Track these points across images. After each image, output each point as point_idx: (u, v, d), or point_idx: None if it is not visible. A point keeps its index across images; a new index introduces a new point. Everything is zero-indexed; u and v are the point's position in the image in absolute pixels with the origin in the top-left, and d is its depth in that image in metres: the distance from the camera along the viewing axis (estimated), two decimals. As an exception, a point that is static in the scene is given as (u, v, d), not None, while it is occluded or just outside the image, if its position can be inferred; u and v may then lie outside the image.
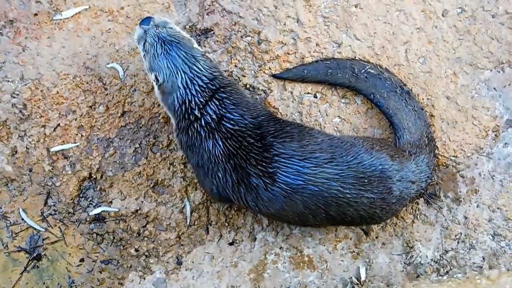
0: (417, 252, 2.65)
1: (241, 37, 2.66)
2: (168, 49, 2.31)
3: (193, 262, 2.70)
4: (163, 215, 2.70)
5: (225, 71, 2.67)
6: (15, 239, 2.69)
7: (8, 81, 2.67)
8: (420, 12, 2.64)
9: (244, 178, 2.25)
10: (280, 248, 2.69)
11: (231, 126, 2.27)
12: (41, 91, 2.67)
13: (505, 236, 2.63)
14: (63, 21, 2.68)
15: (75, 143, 2.68)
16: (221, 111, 2.29)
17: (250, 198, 2.27)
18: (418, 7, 2.64)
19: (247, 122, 2.29)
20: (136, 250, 2.70)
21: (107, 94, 2.69)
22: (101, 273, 2.70)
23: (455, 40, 2.65)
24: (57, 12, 2.67)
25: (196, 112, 2.29)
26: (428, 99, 2.64)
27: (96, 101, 2.69)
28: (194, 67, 2.31)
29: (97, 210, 2.69)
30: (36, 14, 2.67)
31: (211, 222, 2.71)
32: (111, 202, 2.70)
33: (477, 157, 2.65)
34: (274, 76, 2.66)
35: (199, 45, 2.68)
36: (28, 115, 2.67)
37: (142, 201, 2.70)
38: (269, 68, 2.66)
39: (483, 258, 2.63)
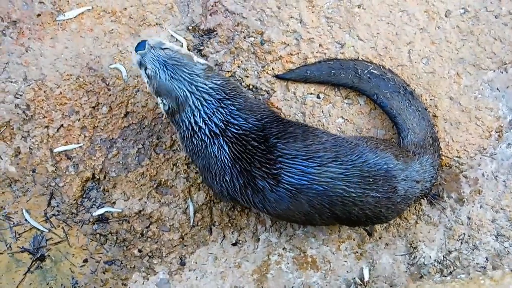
0: (421, 253, 2.66)
1: (244, 37, 2.67)
2: (172, 74, 2.29)
3: (196, 263, 2.71)
4: (167, 215, 2.71)
5: (228, 71, 2.68)
6: (19, 239, 2.70)
7: (12, 81, 2.68)
8: (423, 12, 2.65)
9: (250, 181, 2.26)
10: (284, 248, 2.70)
11: (236, 131, 2.29)
12: (44, 91, 2.68)
13: (508, 236, 2.64)
14: (66, 22, 2.69)
15: (78, 143, 2.70)
16: (227, 118, 2.30)
17: (257, 200, 2.29)
18: (421, 8, 2.65)
19: (251, 125, 2.31)
20: (140, 251, 2.71)
21: (110, 95, 2.70)
22: (104, 273, 2.71)
23: (458, 40, 2.66)
24: (60, 12, 2.68)
25: (201, 123, 2.30)
26: (431, 99, 2.65)
27: (99, 101, 2.70)
28: (200, 85, 2.30)
29: (101, 211, 2.71)
30: (39, 15, 2.68)
31: (214, 222, 2.72)
32: (114, 202, 2.71)
33: (481, 158, 2.66)
34: (277, 76, 2.67)
35: (202, 46, 2.69)
36: (31, 115, 2.68)
37: (146, 202, 2.71)
38: (272, 68, 2.67)
39: (487, 259, 2.64)
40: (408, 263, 2.67)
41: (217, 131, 2.30)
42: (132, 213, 2.71)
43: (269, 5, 2.66)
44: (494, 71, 2.66)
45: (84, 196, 2.72)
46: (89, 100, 2.70)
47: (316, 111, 2.68)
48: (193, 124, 2.31)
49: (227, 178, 2.32)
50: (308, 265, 2.69)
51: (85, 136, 2.70)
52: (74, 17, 2.68)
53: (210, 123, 2.30)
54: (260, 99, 2.67)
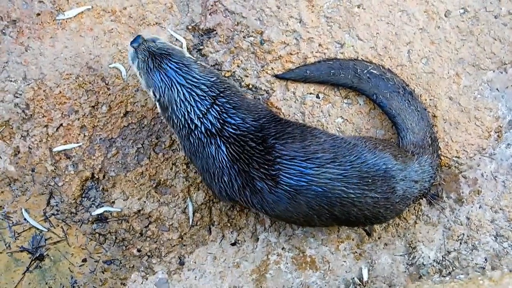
0: (420, 253, 2.67)
1: (244, 37, 2.69)
2: (160, 62, 2.31)
3: (195, 263, 2.73)
4: (166, 215, 2.72)
5: (228, 71, 2.69)
6: (18, 239, 2.71)
7: (11, 81, 2.69)
8: (423, 12, 2.67)
9: (249, 182, 2.28)
10: (283, 248, 2.71)
11: (233, 131, 2.30)
12: (44, 91, 2.70)
13: (507, 237, 2.65)
14: (66, 21, 2.70)
15: (77, 143, 2.71)
16: (222, 116, 2.31)
17: (256, 201, 2.31)
18: (421, 8, 2.67)
19: (248, 125, 2.32)
20: (139, 251, 2.72)
21: (109, 94, 2.71)
22: (103, 273, 2.72)
23: (458, 40, 2.67)
24: (60, 12, 2.70)
25: (196, 121, 2.32)
26: (430, 99, 2.67)
27: (98, 101, 2.71)
28: (190, 77, 2.32)
29: (100, 210, 2.72)
30: (39, 14, 2.69)
31: (213, 222, 2.74)
32: (113, 202, 2.72)
33: (480, 158, 2.67)
34: (277, 76, 2.69)
35: (201, 45, 2.70)
36: (31, 115, 2.69)
37: (145, 201, 2.72)
38: (272, 68, 2.68)
39: (486, 259, 2.66)
40: (407, 263, 2.68)
41: (214, 131, 2.31)
42: (131, 213, 2.72)
43: (269, 5, 2.68)
44: (493, 71, 2.67)
45: (83, 195, 2.74)
46: (88, 100, 2.71)
47: (315, 111, 2.69)
48: (189, 122, 2.32)
49: (225, 179, 2.33)
50: (307, 265, 2.70)
51: (84, 136, 2.71)
52: (74, 17, 2.70)
53: (205, 121, 2.31)
54: (259, 99, 2.68)
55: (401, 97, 2.62)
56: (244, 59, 2.69)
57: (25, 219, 2.72)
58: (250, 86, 2.69)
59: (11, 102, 2.69)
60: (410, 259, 2.68)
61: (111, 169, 2.73)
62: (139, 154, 2.73)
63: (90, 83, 2.71)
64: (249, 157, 2.26)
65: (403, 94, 2.62)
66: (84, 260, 2.73)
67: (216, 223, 2.74)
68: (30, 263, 2.71)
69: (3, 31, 2.69)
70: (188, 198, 2.73)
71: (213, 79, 2.36)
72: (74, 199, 2.72)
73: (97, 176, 2.73)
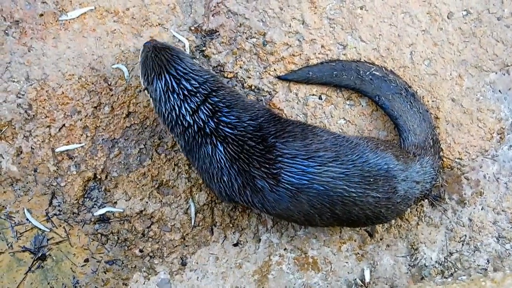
0: (422, 254, 2.69)
1: (246, 38, 2.70)
2: (157, 53, 2.39)
3: (197, 263, 2.74)
4: (168, 216, 2.74)
5: (230, 72, 2.71)
6: (20, 239, 2.73)
7: (14, 81, 2.71)
8: (426, 14, 2.68)
9: (249, 181, 2.29)
10: (285, 249, 2.73)
11: (230, 131, 2.32)
12: (47, 91, 2.71)
13: (509, 238, 2.67)
14: (69, 22, 2.72)
15: (80, 143, 2.73)
16: (216, 115, 2.33)
17: (256, 200, 2.33)
18: (424, 9, 2.68)
19: (246, 124, 2.33)
20: (141, 251, 2.74)
21: (112, 95, 2.73)
22: (105, 273, 2.74)
23: (461, 42, 2.69)
24: (63, 12, 2.72)
25: (188, 118, 2.34)
26: (433, 101, 2.68)
27: (101, 101, 2.73)
28: (180, 68, 2.36)
29: (102, 211, 2.74)
30: (42, 15, 2.71)
31: (215, 223, 2.75)
32: (115, 202, 2.74)
33: (482, 160, 2.69)
34: (279, 77, 2.71)
35: (204, 46, 2.73)
36: (34, 115, 2.71)
37: (147, 202, 2.74)
38: (274, 69, 2.70)
39: (488, 261, 2.67)
40: (409, 265, 2.70)
41: (208, 131, 2.33)
42: (134, 213, 2.74)
43: (272, 6, 2.69)
44: (496, 73, 2.69)
45: (86, 196, 2.75)
46: (91, 100, 2.73)
47: (318, 112, 2.70)
48: (181, 118, 2.35)
49: (225, 179, 2.36)
50: (309, 266, 2.72)
51: (87, 136, 2.73)
52: (77, 17, 2.72)
53: (197, 119, 2.33)
54: (262, 100, 2.70)
55: (403, 99, 2.64)
56: (247, 60, 2.71)
57: (27, 219, 2.74)
58: (253, 87, 2.71)
59: (13, 103, 2.71)
60: (412, 260, 2.70)
61: (114, 170, 2.75)
62: (142, 155, 2.75)
63: (92, 83, 2.73)
64: (249, 156, 2.28)
65: (406, 95, 2.64)
66: (86, 260, 2.75)
67: (218, 223, 2.76)
68: (32, 263, 2.73)
69: (6, 31, 2.71)
70: (190, 199, 2.75)
71: (206, 76, 2.39)
72: (76, 200, 2.74)
73: (99, 177, 2.75)
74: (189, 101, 2.34)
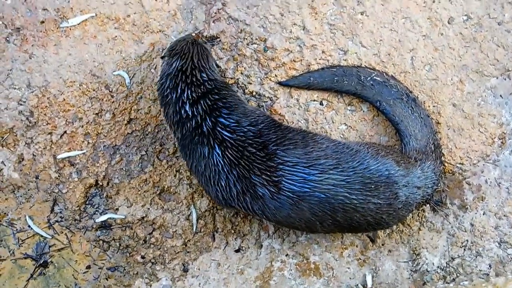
0: (424, 260, 2.70)
1: (247, 44, 2.72)
2: (194, 43, 2.50)
3: (199, 269, 2.76)
4: (169, 222, 2.75)
5: (231, 78, 2.73)
6: (22, 246, 2.75)
7: (15, 88, 2.73)
8: (426, 19, 2.70)
9: (249, 188, 2.31)
10: (286, 255, 2.74)
11: (229, 135, 2.33)
12: (48, 98, 2.73)
13: (511, 243, 2.68)
14: (70, 29, 2.74)
15: (81, 150, 2.75)
16: (213, 114, 2.36)
17: (256, 207, 2.34)
18: (424, 15, 2.70)
19: (246, 130, 2.35)
20: (143, 257, 2.76)
21: (113, 102, 2.75)
22: (107, 280, 2.76)
23: (461, 47, 2.70)
24: (64, 19, 2.74)
25: (187, 108, 2.36)
26: (434, 106, 2.70)
27: (102, 108, 2.75)
28: (202, 61, 2.44)
29: (104, 217, 2.76)
30: (43, 22, 2.73)
31: (217, 229, 2.77)
32: (117, 209, 2.76)
33: (484, 165, 2.70)
34: (280, 83, 2.72)
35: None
36: (35, 122, 2.73)
37: (149, 208, 2.75)
38: (275, 75, 2.72)
39: (490, 266, 2.68)
40: (411, 270, 2.71)
41: (205, 130, 2.34)
42: (135, 220, 2.75)
43: (272, 12, 2.71)
44: (497, 77, 2.71)
45: (87, 202, 2.77)
46: (92, 107, 2.74)
47: (319, 118, 2.72)
48: (180, 105, 2.38)
49: (222, 183, 2.36)
50: (311, 271, 2.73)
51: (88, 143, 2.75)
52: (78, 24, 2.74)
53: (195, 113, 2.36)
54: (263, 106, 2.71)
55: (404, 104, 2.65)
56: (248, 66, 2.73)
57: (29, 226, 2.76)
58: (254, 93, 2.72)
59: (15, 110, 2.73)
60: (414, 265, 2.71)
61: (115, 176, 2.76)
62: (143, 161, 2.77)
63: (94, 90, 2.75)
64: (250, 163, 2.29)
65: (407, 101, 2.65)
66: (88, 267, 2.76)
67: (220, 230, 2.77)
68: (34, 270, 2.75)
69: (7, 38, 2.73)
70: (192, 205, 2.76)
71: (217, 77, 2.46)
72: (78, 206, 2.76)
73: (101, 183, 2.76)
74: (193, 89, 2.39)
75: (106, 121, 2.76)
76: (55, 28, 2.75)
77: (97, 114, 2.76)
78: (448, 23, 2.72)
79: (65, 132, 2.75)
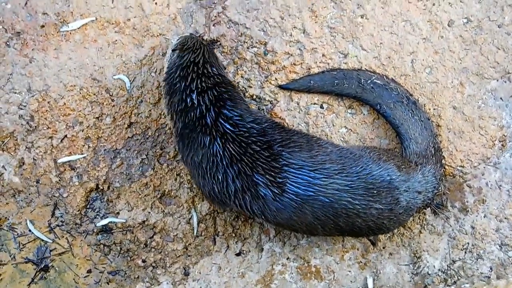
0: (425, 262, 2.71)
1: (248, 48, 2.73)
2: (205, 42, 2.56)
3: (200, 273, 2.77)
4: (170, 226, 2.76)
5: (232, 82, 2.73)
6: (23, 250, 2.76)
7: (15, 92, 2.74)
8: (426, 22, 2.71)
9: (251, 187, 2.30)
10: (287, 258, 2.75)
11: (231, 128, 2.34)
12: (48, 102, 2.74)
13: (512, 246, 2.70)
14: (70, 33, 2.75)
15: (82, 154, 2.76)
16: (218, 104, 2.37)
17: (256, 207, 2.33)
18: (424, 18, 2.71)
19: (249, 126, 2.35)
20: (143, 261, 2.77)
21: (114, 106, 2.76)
22: (108, 284, 2.77)
23: (461, 50, 2.71)
24: (64, 24, 2.75)
25: (194, 96, 2.38)
26: (434, 109, 2.71)
27: (103, 112, 2.76)
28: (213, 59, 2.48)
29: (104, 221, 2.77)
30: (43, 26, 2.74)
31: (218, 232, 2.78)
32: (118, 213, 2.77)
33: (484, 167, 2.71)
34: (281, 86, 2.74)
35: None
36: (35, 126, 2.74)
37: (149, 212, 2.76)
38: (276, 78, 2.73)
39: (491, 268, 2.69)
40: (412, 273, 2.72)
41: (208, 122, 2.34)
42: (136, 224, 2.76)
43: (272, 16, 2.72)
44: (497, 80, 2.72)
45: (88, 206, 2.78)
46: (92, 111, 2.76)
47: (319, 121, 2.73)
48: (187, 93, 2.39)
49: (219, 177, 2.34)
50: (312, 275, 2.74)
51: (89, 147, 2.76)
52: (78, 28, 2.75)
53: (201, 102, 2.36)
54: (263, 109, 2.73)
55: (404, 107, 2.66)
56: (248, 69, 2.74)
57: (30, 230, 2.77)
58: (254, 97, 2.74)
59: (15, 114, 2.74)
60: (415, 268, 2.72)
61: (116, 180, 2.77)
62: (144, 165, 2.78)
63: (94, 94, 2.76)
64: (253, 161, 2.29)
65: (407, 104, 2.66)
66: (89, 271, 2.78)
67: (221, 233, 2.78)
68: (35, 274, 2.76)
69: (8, 43, 2.74)
70: (193, 209, 2.78)
71: (225, 75, 2.51)
72: (78, 210, 2.77)
73: (101, 187, 2.77)
74: (203, 79, 2.40)
75: (107, 125, 2.77)
76: (55, 32, 2.76)
77: (97, 118, 2.77)
78: (448, 26, 2.73)
79: (65, 136, 2.76)
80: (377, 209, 2.29)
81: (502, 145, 2.73)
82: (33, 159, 2.76)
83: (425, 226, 2.74)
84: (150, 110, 2.77)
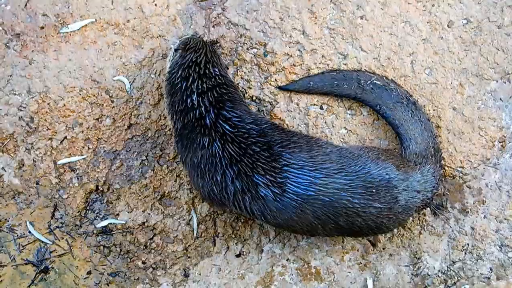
0: (425, 263, 2.72)
1: (247, 49, 2.74)
2: (208, 43, 2.57)
3: (200, 274, 2.78)
4: (170, 227, 2.77)
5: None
6: (23, 251, 2.77)
7: (15, 94, 2.75)
8: (426, 23, 2.72)
9: (251, 188, 2.31)
10: (287, 260, 2.76)
11: (230, 129, 2.35)
12: (48, 104, 2.75)
13: (512, 246, 2.71)
14: (70, 34, 2.76)
15: (82, 155, 2.77)
16: (217, 106, 2.39)
17: (256, 208, 2.34)
18: (424, 19, 2.72)
19: (248, 127, 2.37)
20: (143, 263, 2.78)
21: (113, 107, 2.77)
22: (108, 285, 2.78)
23: (461, 51, 2.72)
24: (64, 25, 2.76)
25: (194, 98, 2.39)
26: (434, 110, 2.72)
27: (102, 113, 2.77)
28: (215, 58, 2.49)
29: (104, 223, 2.78)
30: (42, 28, 2.76)
31: (218, 234, 2.79)
32: (118, 214, 2.78)
33: (484, 168, 2.72)
34: (280, 88, 2.75)
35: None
36: (35, 128, 2.75)
37: (149, 214, 2.77)
38: (275, 80, 2.74)
39: (491, 269, 2.70)
40: (412, 274, 2.73)
41: (208, 123, 2.36)
42: (136, 225, 2.77)
43: (272, 17, 2.73)
44: (497, 81, 2.73)
45: (88, 208, 2.79)
46: (92, 112, 2.77)
47: (319, 122, 2.74)
48: (188, 93, 2.41)
49: (218, 178, 2.35)
50: (312, 276, 2.75)
51: (88, 148, 2.77)
52: (78, 30, 2.76)
53: (201, 103, 2.38)
54: (263, 111, 2.74)
55: (404, 108, 2.67)
56: (248, 70, 2.75)
57: (29, 232, 2.78)
58: (254, 98, 2.75)
59: (15, 115, 2.75)
60: (415, 269, 2.73)
61: (116, 182, 2.78)
62: (143, 166, 2.79)
63: (94, 95, 2.77)
64: (253, 162, 2.30)
65: (407, 104, 2.67)
66: (89, 273, 2.78)
67: (221, 234, 2.79)
68: (35, 275, 2.77)
69: (7, 44, 2.76)
70: (193, 210, 2.79)
71: (226, 75, 2.51)
72: (78, 212, 2.78)
73: (101, 189, 2.78)
74: (204, 80, 2.42)
75: (107, 127, 2.78)
76: (55, 34, 2.77)
77: (97, 119, 2.78)
78: (448, 27, 2.74)
79: (65, 137, 2.77)
80: (376, 208, 2.30)
81: (502, 146, 2.74)
82: (33, 160, 2.77)
83: (425, 227, 2.75)
84: (150, 112, 2.79)
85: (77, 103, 2.77)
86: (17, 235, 2.79)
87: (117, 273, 2.80)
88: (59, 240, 2.80)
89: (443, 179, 2.72)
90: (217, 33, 2.77)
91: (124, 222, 2.79)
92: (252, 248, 2.80)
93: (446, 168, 2.73)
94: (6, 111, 2.75)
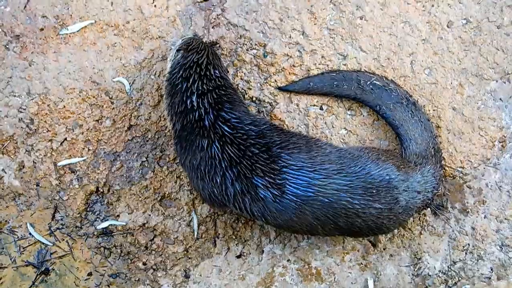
0: (425, 264, 2.73)
1: (247, 50, 2.75)
2: (209, 45, 2.60)
3: (201, 275, 2.79)
4: (171, 228, 2.78)
5: (231, 84, 2.75)
6: (23, 253, 2.78)
7: (15, 95, 2.76)
8: (425, 23, 2.73)
9: (250, 189, 2.32)
10: (288, 260, 2.77)
11: (229, 130, 2.36)
12: (48, 105, 2.76)
13: (513, 246, 2.72)
14: (69, 36, 2.77)
15: (82, 157, 2.78)
16: (217, 107, 2.40)
17: (256, 209, 2.35)
18: (423, 19, 2.73)
19: (247, 128, 2.38)
20: (144, 264, 2.78)
21: (113, 108, 2.78)
22: (109, 287, 2.79)
23: (461, 51, 2.73)
24: (63, 26, 2.77)
25: (194, 99, 2.40)
26: (434, 110, 2.73)
27: (102, 115, 2.78)
28: (216, 60, 2.52)
29: (105, 224, 2.79)
30: (42, 29, 2.77)
31: (218, 235, 2.80)
32: (118, 215, 2.79)
33: (484, 168, 2.73)
34: (280, 88, 2.76)
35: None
36: (35, 129, 2.76)
37: (150, 215, 2.78)
38: (275, 80, 2.75)
39: (491, 269, 2.71)
40: (412, 274, 2.74)
41: (207, 124, 2.37)
42: (136, 226, 2.78)
43: (272, 17, 2.74)
44: (496, 81, 2.74)
45: (88, 209, 2.80)
46: (92, 114, 2.78)
47: (319, 122, 2.75)
48: (188, 94, 2.42)
49: (218, 179, 2.36)
50: (313, 276, 2.76)
51: (88, 150, 2.78)
52: (77, 31, 2.77)
53: (200, 105, 2.40)
54: (263, 111, 2.74)
55: (404, 108, 2.68)
56: (247, 71, 2.76)
57: (30, 233, 2.79)
58: (254, 99, 2.76)
59: (15, 117, 2.76)
60: (415, 269, 2.74)
61: (116, 183, 2.79)
62: (144, 168, 2.80)
63: (94, 97, 2.78)
64: (252, 163, 2.31)
65: (406, 105, 2.68)
66: (90, 274, 2.79)
67: (221, 235, 2.80)
68: (36, 277, 2.78)
69: (7, 46, 2.77)
70: (193, 211, 2.79)
71: (226, 78, 2.52)
72: (79, 213, 2.79)
73: (101, 190, 2.79)
74: (204, 81, 2.44)
75: (107, 128, 2.79)
76: (54, 35, 2.78)
77: (97, 121, 2.79)
78: (447, 27, 2.75)
79: (65, 139, 2.78)
80: (376, 209, 2.31)
81: (502, 146, 2.74)
82: (33, 162, 2.78)
83: (426, 227, 2.76)
84: (149, 113, 2.80)
85: (77, 104, 2.78)
86: (18, 237, 2.80)
87: (117, 274, 2.81)
88: (60, 242, 2.81)
89: (443, 179, 2.73)
90: (216, 34, 2.78)
91: (124, 224, 2.80)
92: (252, 249, 2.81)
93: (446, 168, 2.74)
94: (6, 113, 2.76)
